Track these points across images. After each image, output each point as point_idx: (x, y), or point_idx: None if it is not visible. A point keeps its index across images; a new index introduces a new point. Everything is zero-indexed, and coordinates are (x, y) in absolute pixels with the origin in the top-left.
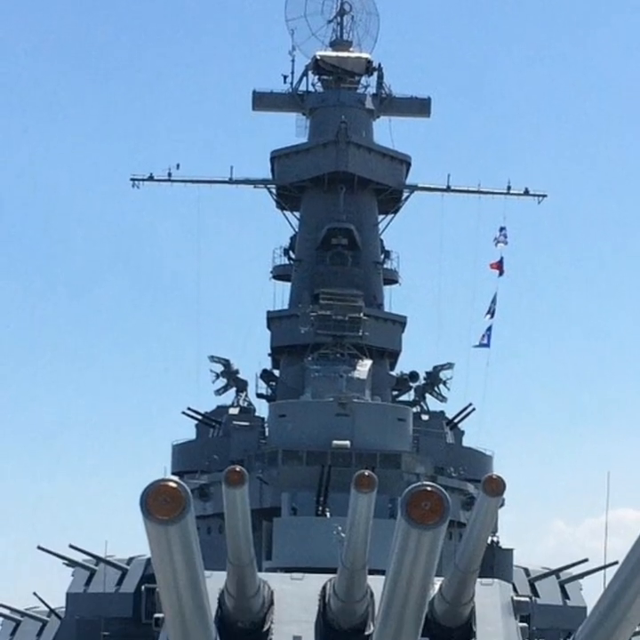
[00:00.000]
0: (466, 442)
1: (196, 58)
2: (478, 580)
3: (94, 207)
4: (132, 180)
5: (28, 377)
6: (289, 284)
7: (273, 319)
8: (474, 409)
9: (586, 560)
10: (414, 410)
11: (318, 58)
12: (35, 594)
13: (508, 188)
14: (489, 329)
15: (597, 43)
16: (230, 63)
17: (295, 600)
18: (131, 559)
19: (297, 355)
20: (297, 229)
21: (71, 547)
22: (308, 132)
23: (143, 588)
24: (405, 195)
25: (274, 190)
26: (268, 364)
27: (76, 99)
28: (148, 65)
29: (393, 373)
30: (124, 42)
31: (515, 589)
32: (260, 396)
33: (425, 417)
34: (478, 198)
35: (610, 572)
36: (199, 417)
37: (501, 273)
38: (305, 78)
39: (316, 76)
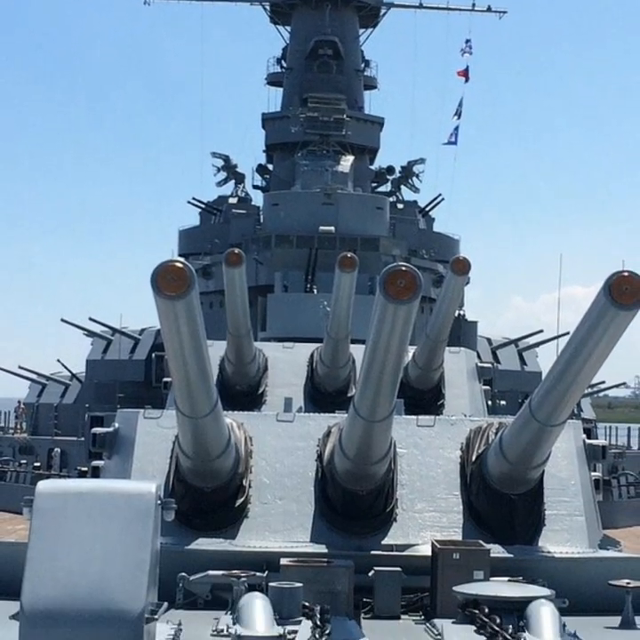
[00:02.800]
0: (436, 227)
1: None
2: (446, 348)
3: (110, 22)
4: None
5: (53, 170)
6: (281, 90)
7: (267, 120)
8: (443, 199)
9: (541, 331)
10: (391, 199)
11: None
12: (58, 361)
13: (473, 4)
14: (456, 128)
15: None
16: None
17: (287, 366)
18: (142, 330)
19: (288, 151)
20: (288, 42)
21: (90, 319)
22: None
23: (153, 355)
24: (383, 11)
25: (268, 7)
26: (262, 160)
27: None
28: None
29: (372, 168)
30: None
31: (479, 357)
32: (255, 187)
33: (400, 206)
34: (447, 14)
35: (562, 342)
36: (202, 206)
37: (467, 79)
38: None
39: None
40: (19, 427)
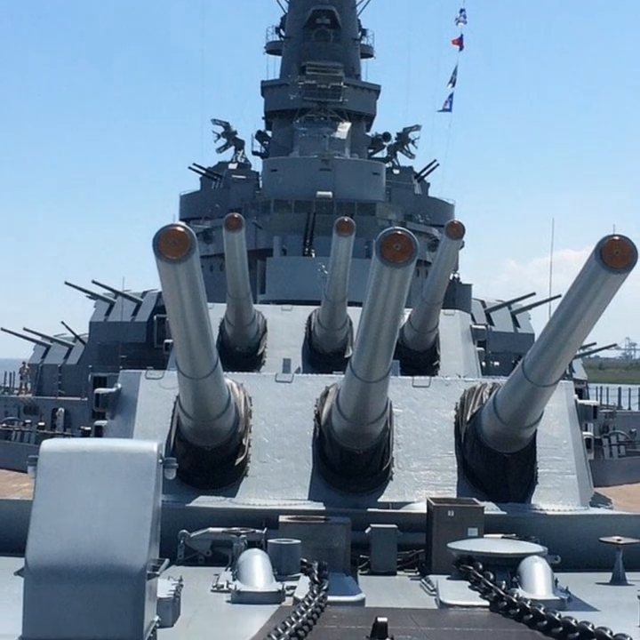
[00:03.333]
0: (431, 193)
1: None
2: (441, 310)
3: None
4: None
5: (57, 136)
6: (280, 58)
7: (266, 87)
8: (438, 164)
9: (533, 294)
10: (387, 165)
11: None
12: (62, 323)
13: None
14: (451, 96)
15: None
16: None
17: (285, 328)
18: (144, 293)
19: (287, 118)
20: (286, 11)
21: (94, 282)
22: None
23: (155, 317)
24: None
25: None
26: (262, 127)
27: None
28: None
29: (369, 134)
30: None
31: (473, 319)
32: (255, 153)
33: (396, 171)
34: None
35: (554, 304)
36: (203, 171)
37: (461, 48)
38: None
39: None
40: (23, 387)
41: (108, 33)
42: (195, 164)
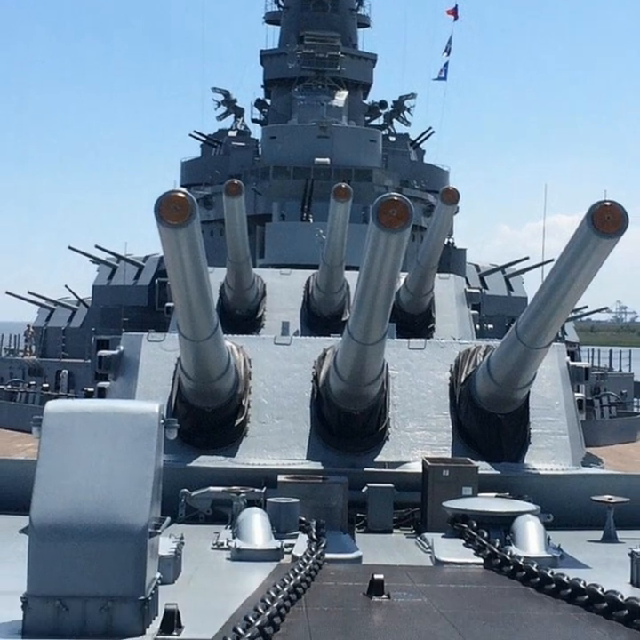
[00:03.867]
0: (426, 159)
1: None
2: (436, 274)
3: None
4: None
5: (59, 105)
6: (279, 28)
7: (265, 56)
8: (433, 132)
9: (527, 258)
10: (383, 132)
11: None
12: (66, 286)
13: None
14: (446, 65)
15: None
16: None
17: (284, 292)
18: (146, 257)
19: (285, 86)
20: None
21: (97, 247)
22: None
23: (157, 281)
24: None
25: None
26: (261, 95)
27: None
28: None
29: (365, 102)
30: None
31: (467, 283)
32: (254, 121)
33: (392, 139)
34: None
35: (547, 268)
36: (203, 138)
37: (456, 18)
38: None
39: None
40: (28, 349)
41: (111, 8)
42: (195, 131)
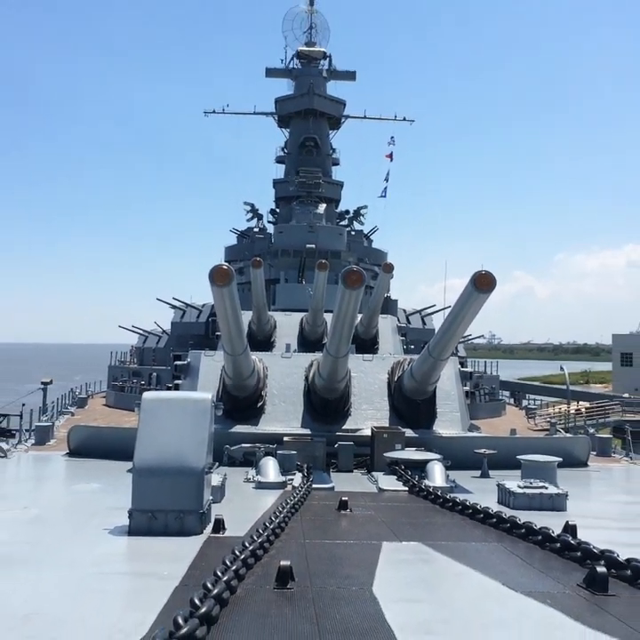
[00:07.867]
0: (374, 245)
1: None
2: (380, 315)
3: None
4: None
5: (156, 213)
6: (283, 166)
7: (276, 183)
8: (378, 228)
9: (434, 305)
10: (347, 229)
11: (299, 50)
12: (155, 322)
13: (395, 116)
14: (385, 188)
15: None
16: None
17: (287, 326)
18: (204, 305)
19: (288, 201)
20: (288, 137)
21: (174, 298)
22: (294, 89)
23: (210, 320)
24: (342, 120)
25: (276, 118)
26: (273, 206)
27: None
28: None
29: (337, 211)
30: None
31: (399, 320)
32: (269, 222)
33: (353, 233)
34: (379, 121)
35: (446, 311)
36: (238, 232)
37: (391, 160)
38: (293, 59)
39: (298, 59)
40: (132, 360)
41: (170, 137)
42: (233, 228)
